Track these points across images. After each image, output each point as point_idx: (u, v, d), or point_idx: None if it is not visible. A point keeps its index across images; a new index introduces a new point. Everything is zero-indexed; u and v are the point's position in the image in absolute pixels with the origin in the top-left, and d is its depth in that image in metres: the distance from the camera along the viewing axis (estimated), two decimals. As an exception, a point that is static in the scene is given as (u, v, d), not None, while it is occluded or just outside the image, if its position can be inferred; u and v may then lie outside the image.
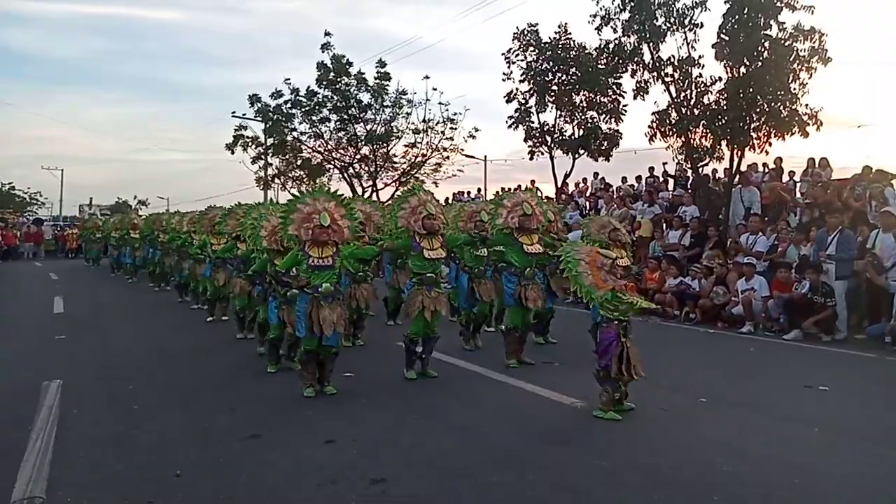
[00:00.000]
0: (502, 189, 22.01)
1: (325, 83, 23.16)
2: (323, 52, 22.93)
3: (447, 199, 23.08)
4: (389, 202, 22.62)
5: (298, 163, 25.13)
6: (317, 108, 23.62)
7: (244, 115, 25.11)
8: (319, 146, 24.62)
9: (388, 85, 23.56)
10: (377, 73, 23.52)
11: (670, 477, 4.00)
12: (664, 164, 16.35)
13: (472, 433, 4.94)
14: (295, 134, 24.36)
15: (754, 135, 12.51)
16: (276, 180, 26.15)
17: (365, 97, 23.64)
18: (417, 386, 6.35)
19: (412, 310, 6.42)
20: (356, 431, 4.96)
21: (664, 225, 13.59)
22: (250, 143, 25.51)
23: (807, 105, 12.11)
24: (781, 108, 12.12)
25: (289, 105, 23.78)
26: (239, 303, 8.58)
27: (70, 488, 3.93)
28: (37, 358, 7.90)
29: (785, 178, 13.65)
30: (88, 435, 4.94)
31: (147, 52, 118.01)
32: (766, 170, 14.03)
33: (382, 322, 9.87)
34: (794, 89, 12.07)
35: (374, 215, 8.74)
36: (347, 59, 23.13)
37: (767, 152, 13.01)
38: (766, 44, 12.05)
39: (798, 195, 12.75)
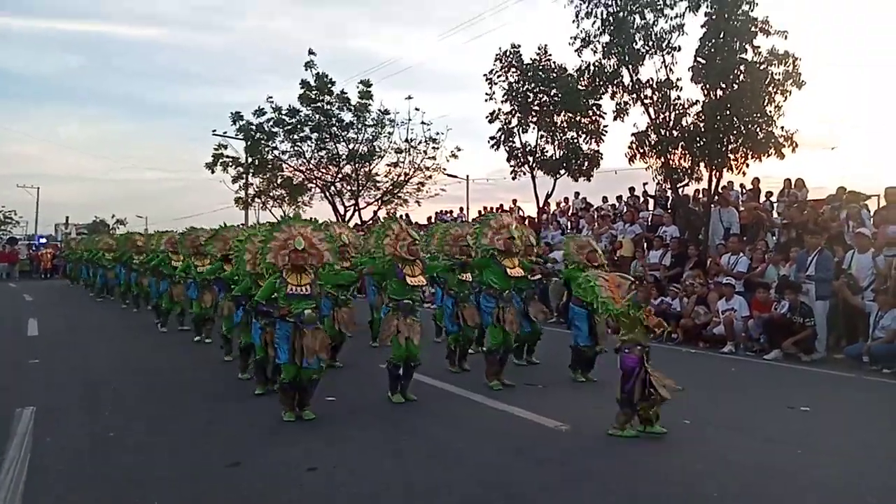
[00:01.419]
0: (484, 208, 22.25)
1: (307, 101, 23.20)
2: (307, 69, 23.05)
3: (429, 218, 23.11)
4: (370, 222, 22.54)
5: (279, 182, 25.05)
6: (298, 126, 23.61)
7: (224, 133, 25.05)
8: (301, 165, 24.61)
9: (370, 104, 23.68)
10: (360, 91, 23.63)
11: (656, 500, 3.98)
12: (644, 184, 16.62)
13: (457, 458, 4.89)
14: (276, 153, 24.33)
15: (732, 156, 12.77)
16: (257, 200, 26.03)
17: (346, 116, 23.73)
18: (401, 409, 6.28)
19: (387, 335, 6.39)
20: (338, 456, 4.88)
21: (645, 244, 13.70)
22: (230, 163, 25.41)
23: (782, 127, 12.41)
24: (758, 129, 12.38)
25: (271, 123, 23.75)
26: (226, 324, 8.47)
27: (43, 521, 3.82)
28: (9, 383, 7.69)
29: (762, 198, 13.85)
30: (62, 464, 4.80)
31: (126, 70, 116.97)
32: (744, 190, 14.25)
33: (365, 344, 9.78)
34: (770, 112, 12.34)
35: (351, 237, 8.81)
36: (330, 78, 23.23)
37: (745, 173, 13.29)
38: (742, 67, 12.34)
39: (775, 215, 12.94)
